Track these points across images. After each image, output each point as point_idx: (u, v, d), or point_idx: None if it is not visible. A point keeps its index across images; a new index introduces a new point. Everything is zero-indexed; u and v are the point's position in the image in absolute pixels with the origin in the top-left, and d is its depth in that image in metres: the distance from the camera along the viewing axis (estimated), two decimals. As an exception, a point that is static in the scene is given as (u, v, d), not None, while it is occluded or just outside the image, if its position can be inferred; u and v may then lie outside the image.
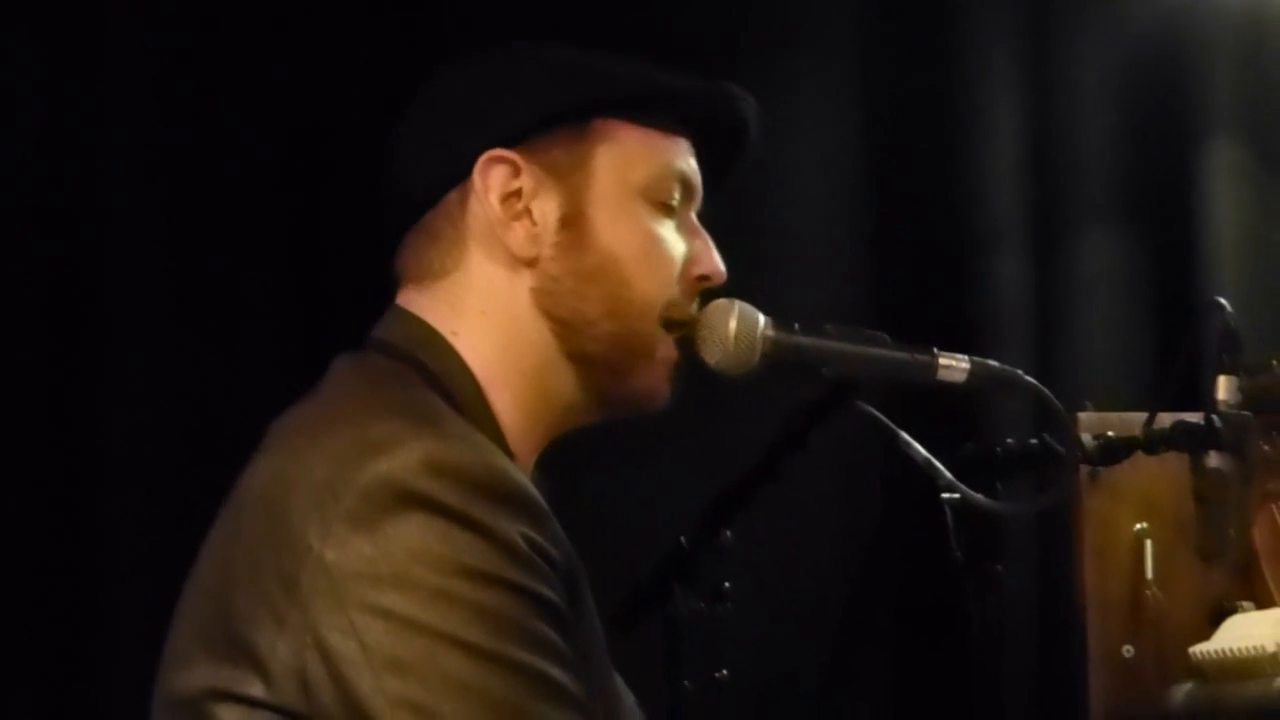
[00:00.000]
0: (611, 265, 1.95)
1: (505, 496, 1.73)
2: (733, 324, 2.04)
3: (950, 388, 2.13)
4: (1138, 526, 2.80)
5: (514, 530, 1.71)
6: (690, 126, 2.02)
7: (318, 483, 1.72)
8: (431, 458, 1.71)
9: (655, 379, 2.00)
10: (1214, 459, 2.40)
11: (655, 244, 1.98)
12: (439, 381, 1.90)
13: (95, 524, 3.23)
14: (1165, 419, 2.43)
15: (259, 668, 1.71)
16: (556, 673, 1.70)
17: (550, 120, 1.96)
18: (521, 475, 1.80)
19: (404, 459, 1.71)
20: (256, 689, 1.71)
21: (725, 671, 2.46)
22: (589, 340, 1.95)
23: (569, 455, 2.03)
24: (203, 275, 3.34)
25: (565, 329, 1.95)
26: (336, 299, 3.30)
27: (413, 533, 1.68)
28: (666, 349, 2.00)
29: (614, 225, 1.96)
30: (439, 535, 1.68)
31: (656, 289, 1.97)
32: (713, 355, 2.03)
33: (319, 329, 3.29)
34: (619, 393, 1.99)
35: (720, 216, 2.07)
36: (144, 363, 3.29)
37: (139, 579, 3.18)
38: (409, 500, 1.69)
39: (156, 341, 3.29)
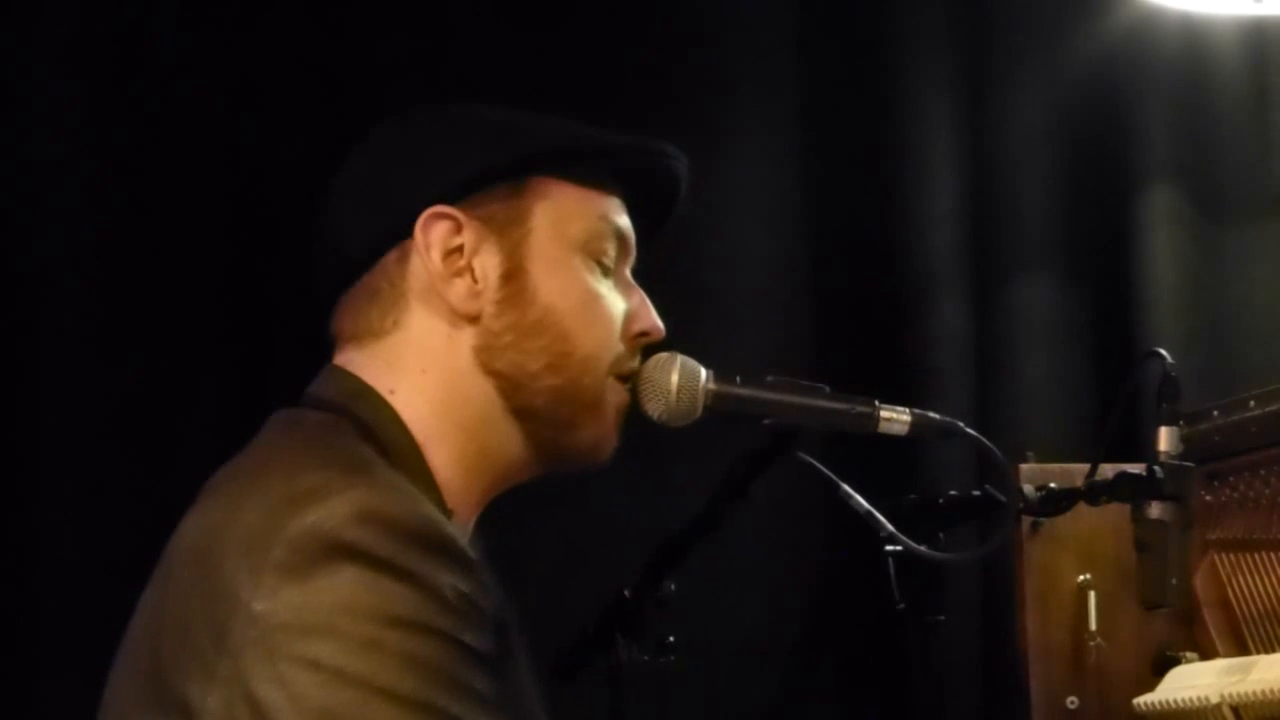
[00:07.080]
0: (552, 319, 1.95)
1: (435, 546, 1.72)
2: (674, 378, 2.05)
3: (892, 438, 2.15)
4: (1081, 578, 2.82)
5: (443, 580, 1.70)
6: (623, 183, 2.03)
7: (248, 533, 1.72)
8: (362, 507, 1.70)
9: (602, 429, 2.00)
10: (1155, 509, 2.41)
11: (594, 298, 1.98)
12: (372, 433, 1.89)
13: (23, 581, 3.20)
14: (1107, 470, 2.44)
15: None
16: None
17: (489, 176, 1.96)
18: (451, 526, 1.80)
19: (334, 509, 1.70)
20: None
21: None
22: (532, 394, 1.95)
23: (511, 506, 2.02)
24: (137, 330, 3.31)
25: (507, 384, 1.95)
26: (273, 358, 3.28)
27: (342, 584, 1.68)
28: (616, 395, 2.00)
29: (553, 280, 1.96)
30: (367, 585, 1.68)
31: (595, 343, 1.97)
32: (655, 409, 2.05)
33: (255, 387, 3.26)
34: (564, 446, 1.99)
35: (659, 265, 2.08)
36: (75, 424, 3.26)
37: (65, 638, 3.15)
38: (339, 551, 1.68)
39: (89, 398, 3.26)
